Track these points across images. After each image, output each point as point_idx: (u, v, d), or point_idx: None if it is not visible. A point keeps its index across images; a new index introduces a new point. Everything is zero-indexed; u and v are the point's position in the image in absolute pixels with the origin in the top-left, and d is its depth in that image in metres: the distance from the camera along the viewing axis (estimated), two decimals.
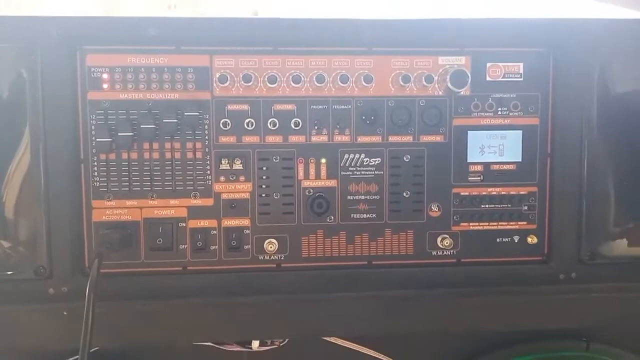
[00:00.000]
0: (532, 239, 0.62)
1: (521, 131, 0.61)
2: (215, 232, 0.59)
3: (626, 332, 0.67)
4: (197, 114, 0.58)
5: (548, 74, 0.61)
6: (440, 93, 0.60)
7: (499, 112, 0.61)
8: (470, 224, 0.62)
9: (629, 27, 0.61)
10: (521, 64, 0.61)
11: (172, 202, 0.59)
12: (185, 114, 0.58)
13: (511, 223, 0.62)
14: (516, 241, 0.62)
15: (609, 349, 0.66)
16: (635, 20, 0.62)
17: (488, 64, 0.61)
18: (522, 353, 0.66)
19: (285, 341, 0.64)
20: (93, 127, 0.57)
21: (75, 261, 0.58)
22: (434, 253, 0.62)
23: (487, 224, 0.62)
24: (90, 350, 0.55)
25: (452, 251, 0.62)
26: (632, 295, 0.62)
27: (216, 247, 0.59)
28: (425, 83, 0.59)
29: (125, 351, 0.63)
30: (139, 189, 0.58)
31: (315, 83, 0.59)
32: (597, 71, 0.61)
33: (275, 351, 0.63)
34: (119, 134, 0.57)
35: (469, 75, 0.58)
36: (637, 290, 0.62)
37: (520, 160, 0.61)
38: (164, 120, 0.58)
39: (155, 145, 0.58)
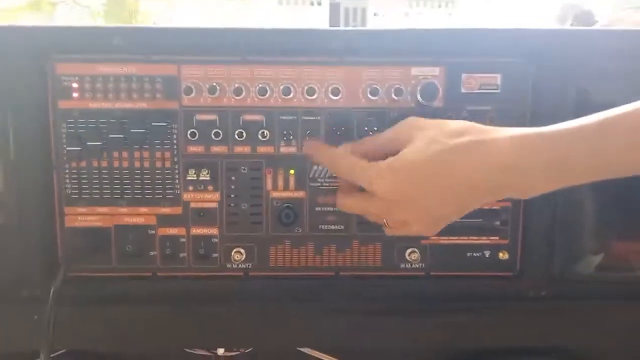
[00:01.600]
0: (503, 255, 0.61)
1: None
2: (184, 240, 0.60)
3: (598, 352, 0.66)
4: (165, 123, 0.58)
5: (527, 86, 0.59)
6: (413, 104, 0.59)
7: None
8: (440, 237, 0.61)
9: (614, 39, 0.58)
10: (499, 75, 0.59)
11: (142, 210, 0.60)
12: (153, 123, 0.58)
13: (482, 238, 0.61)
14: (487, 256, 0.61)
15: None
16: (620, 32, 0.59)
17: (463, 75, 0.59)
18: None
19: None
20: (64, 135, 0.58)
21: (48, 266, 0.59)
22: (403, 266, 0.61)
23: (457, 237, 0.61)
24: (58, 352, 0.58)
25: (420, 264, 0.61)
26: (604, 314, 0.61)
27: (185, 254, 0.60)
28: (395, 95, 0.58)
29: (94, 354, 0.65)
30: (109, 196, 0.59)
31: (284, 95, 0.58)
32: (579, 84, 0.58)
33: (241, 357, 0.65)
34: (88, 143, 0.58)
35: (439, 87, 0.57)
36: (609, 310, 0.61)
37: None
38: (132, 130, 0.58)
39: (125, 154, 0.59)
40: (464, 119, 0.58)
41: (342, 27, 0.57)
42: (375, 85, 0.58)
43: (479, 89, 0.59)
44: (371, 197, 0.51)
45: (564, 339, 0.62)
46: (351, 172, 0.53)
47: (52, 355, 0.56)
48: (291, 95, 0.58)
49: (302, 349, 0.64)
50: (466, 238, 0.61)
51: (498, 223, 0.61)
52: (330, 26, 1.20)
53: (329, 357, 0.65)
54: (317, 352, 0.64)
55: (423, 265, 0.61)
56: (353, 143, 0.56)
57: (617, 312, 0.62)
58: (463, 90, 0.59)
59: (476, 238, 0.61)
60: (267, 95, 0.58)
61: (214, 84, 0.57)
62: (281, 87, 0.58)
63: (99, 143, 0.58)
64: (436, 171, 0.48)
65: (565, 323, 0.61)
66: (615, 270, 0.61)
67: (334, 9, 1.52)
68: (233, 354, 0.64)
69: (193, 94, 0.57)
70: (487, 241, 0.61)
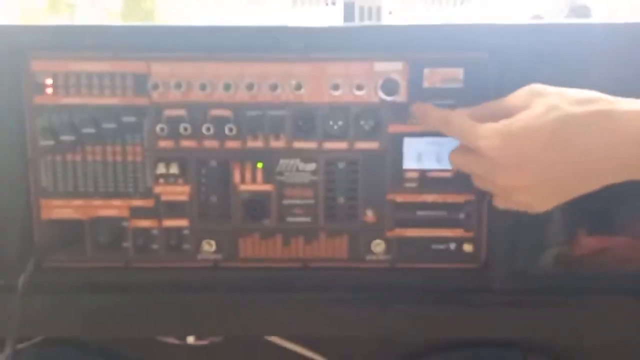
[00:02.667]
0: (468, 247, 0.62)
1: None
2: (155, 232, 0.62)
3: (563, 345, 0.66)
4: (135, 119, 0.60)
5: (489, 80, 0.59)
6: (376, 100, 0.60)
7: None
8: (406, 230, 0.62)
9: (577, 33, 0.59)
10: (461, 70, 0.60)
11: (115, 202, 0.62)
12: (124, 118, 0.60)
13: (447, 230, 0.62)
14: (452, 249, 0.62)
15: None
16: (581, 25, 0.59)
17: (426, 70, 0.60)
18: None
19: None
20: (39, 130, 0.60)
21: (25, 256, 0.61)
22: (369, 258, 0.63)
23: (422, 230, 0.62)
24: (35, 340, 0.61)
25: (386, 256, 0.63)
26: (569, 308, 0.62)
27: (157, 246, 0.62)
28: (358, 90, 0.59)
29: (70, 341, 0.67)
30: (83, 189, 0.61)
31: (249, 89, 0.59)
32: (541, 78, 0.58)
33: (211, 345, 0.67)
34: (62, 137, 0.60)
35: (400, 82, 0.58)
36: (573, 303, 0.61)
37: None
38: (104, 125, 0.60)
39: (98, 149, 0.61)
40: None
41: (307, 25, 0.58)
42: (337, 81, 0.59)
43: (442, 84, 0.60)
44: (480, 158, 0.48)
45: (528, 331, 0.62)
46: (460, 130, 0.51)
47: (30, 343, 0.59)
48: (257, 90, 0.59)
49: (270, 338, 0.66)
50: (431, 230, 0.62)
51: (463, 215, 0.61)
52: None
53: (296, 345, 0.66)
54: (285, 341, 0.66)
55: (389, 257, 0.63)
56: (469, 108, 0.54)
57: (581, 305, 0.61)
58: (426, 85, 0.60)
59: (441, 230, 0.62)
60: (233, 91, 0.59)
61: (182, 80, 0.59)
62: (247, 83, 0.59)
63: (72, 137, 0.60)
64: (556, 140, 0.44)
65: (529, 315, 0.62)
66: (579, 264, 0.61)
67: (348, 8, 1.52)
68: (203, 342, 0.65)
69: (162, 90, 0.59)
70: (452, 233, 0.62)
